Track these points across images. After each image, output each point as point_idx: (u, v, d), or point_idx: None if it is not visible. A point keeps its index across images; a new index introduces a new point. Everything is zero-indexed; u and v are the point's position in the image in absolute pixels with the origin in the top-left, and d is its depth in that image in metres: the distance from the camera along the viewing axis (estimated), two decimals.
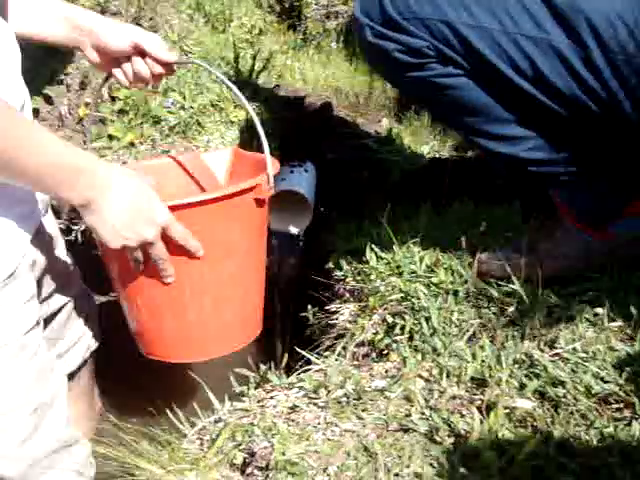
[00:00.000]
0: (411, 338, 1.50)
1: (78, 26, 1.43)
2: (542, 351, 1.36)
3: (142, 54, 1.46)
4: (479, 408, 1.24)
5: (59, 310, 1.61)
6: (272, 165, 1.44)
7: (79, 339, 1.71)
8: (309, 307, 1.87)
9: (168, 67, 1.49)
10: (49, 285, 1.52)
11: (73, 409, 1.72)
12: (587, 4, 1.24)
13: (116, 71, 1.49)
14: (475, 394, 1.29)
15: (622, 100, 1.29)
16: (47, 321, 1.56)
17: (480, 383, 1.31)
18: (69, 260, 1.64)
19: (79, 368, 1.76)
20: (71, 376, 1.72)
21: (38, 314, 1.37)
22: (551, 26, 1.27)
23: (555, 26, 1.27)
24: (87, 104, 2.31)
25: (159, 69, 1.48)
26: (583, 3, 1.24)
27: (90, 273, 1.86)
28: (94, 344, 1.78)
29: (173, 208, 1.27)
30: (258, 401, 1.37)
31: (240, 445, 1.24)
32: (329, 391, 1.34)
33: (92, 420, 1.90)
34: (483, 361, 1.35)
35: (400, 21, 1.35)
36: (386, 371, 1.43)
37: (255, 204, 1.43)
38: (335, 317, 1.76)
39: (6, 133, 1.09)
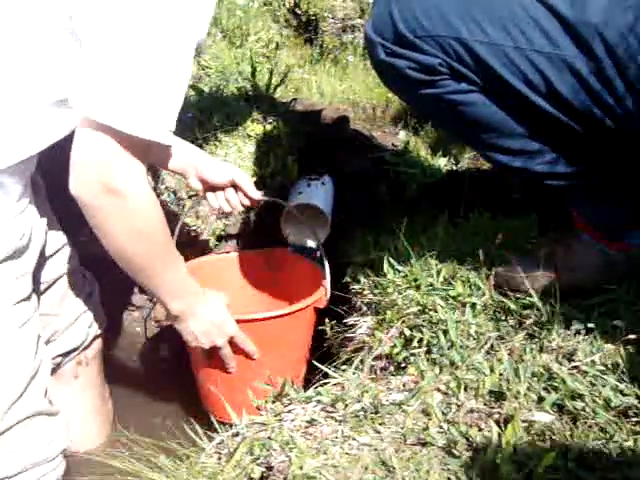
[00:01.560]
0: (429, 351, 1.50)
1: (189, 161, 1.80)
2: (560, 364, 1.35)
3: (235, 187, 1.83)
4: (497, 421, 1.23)
5: (50, 285, 1.71)
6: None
7: (78, 317, 1.82)
8: (326, 320, 1.87)
9: (254, 201, 1.86)
10: (39, 258, 1.63)
11: (85, 402, 1.92)
12: (598, 18, 1.24)
13: (209, 195, 1.86)
14: (493, 407, 1.28)
15: (635, 113, 1.29)
16: (40, 294, 1.68)
17: (498, 396, 1.30)
18: (61, 239, 1.74)
19: (84, 350, 1.87)
20: (78, 362, 1.87)
21: (30, 290, 1.54)
22: (563, 41, 1.27)
23: (567, 41, 1.27)
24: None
25: (246, 202, 1.85)
26: (594, 17, 1.24)
27: None
28: (96, 327, 1.89)
29: (251, 320, 1.73)
30: (276, 415, 1.37)
31: (258, 459, 1.24)
32: (347, 405, 1.34)
33: (108, 418, 2.01)
34: (501, 374, 1.35)
35: (412, 39, 1.35)
36: (404, 384, 1.42)
37: (314, 311, 1.86)
38: (353, 330, 1.76)
39: (162, 248, 1.47)
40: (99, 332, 1.92)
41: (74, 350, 1.84)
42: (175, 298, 1.57)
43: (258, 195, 1.86)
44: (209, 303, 1.65)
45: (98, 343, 1.94)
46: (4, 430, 1.48)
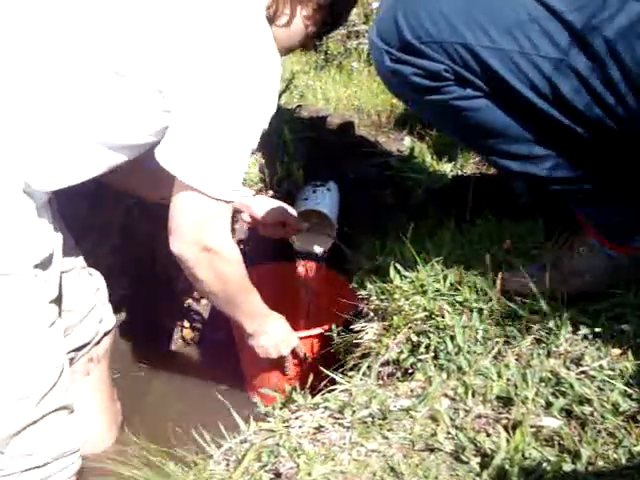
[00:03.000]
0: (436, 357, 1.50)
1: (241, 202, 2.14)
2: (568, 369, 1.35)
3: (283, 224, 2.19)
4: (505, 427, 1.23)
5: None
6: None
7: (89, 312, 1.90)
8: (333, 326, 1.87)
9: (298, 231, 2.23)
10: None
11: (95, 400, 1.99)
12: (604, 23, 1.24)
13: (259, 227, 2.21)
14: (501, 413, 1.28)
15: (638, 118, 1.29)
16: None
17: (506, 402, 1.30)
18: (67, 241, 1.80)
19: (95, 346, 1.94)
20: (90, 359, 1.94)
21: (56, 294, 1.66)
22: (569, 47, 1.27)
23: (573, 47, 1.27)
24: None
25: (292, 234, 2.23)
26: (600, 22, 1.24)
27: None
28: (106, 323, 1.97)
29: (309, 337, 2.05)
30: (283, 421, 1.37)
31: (266, 466, 1.24)
32: (354, 411, 1.34)
33: (116, 419, 2.07)
34: (509, 379, 1.35)
35: (418, 45, 1.35)
36: (411, 390, 1.42)
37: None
38: (360, 336, 1.75)
39: (243, 285, 1.75)
40: (109, 329, 1.99)
41: (86, 345, 1.91)
42: (251, 320, 1.87)
43: (306, 225, 2.19)
44: (276, 322, 1.94)
45: (108, 340, 2.00)
46: (35, 420, 1.56)
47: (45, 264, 1.59)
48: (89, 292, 1.90)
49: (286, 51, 1.78)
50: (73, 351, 1.87)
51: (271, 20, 1.66)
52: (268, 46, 1.57)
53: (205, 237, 1.60)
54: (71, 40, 1.52)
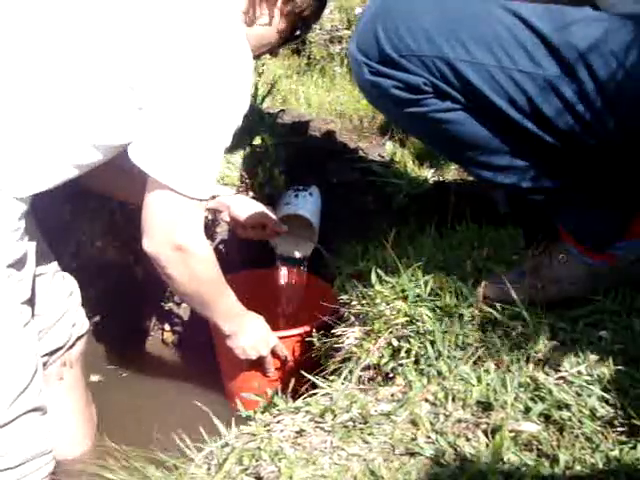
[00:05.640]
0: (416, 362, 1.51)
1: (221, 201, 2.17)
2: (547, 374, 1.36)
3: (263, 226, 2.19)
4: (485, 432, 1.24)
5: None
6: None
7: (61, 316, 1.88)
8: (314, 331, 1.87)
9: (277, 234, 2.21)
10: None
11: (70, 404, 1.99)
12: (581, 39, 1.26)
13: (238, 229, 2.21)
14: (481, 418, 1.29)
15: (615, 131, 1.31)
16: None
17: (485, 407, 1.31)
18: (43, 242, 1.81)
19: (68, 350, 1.93)
20: (63, 364, 1.93)
21: (30, 294, 1.66)
22: (546, 62, 1.29)
23: (550, 61, 1.29)
24: None
25: (273, 236, 2.22)
26: (577, 38, 1.26)
27: None
28: (79, 327, 1.96)
29: (289, 336, 2.03)
30: (265, 425, 1.37)
31: (247, 469, 1.24)
32: (335, 415, 1.34)
33: (92, 422, 2.07)
34: (488, 384, 1.36)
35: (397, 58, 1.36)
36: (392, 395, 1.43)
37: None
38: (341, 341, 1.76)
39: (217, 285, 1.75)
40: (82, 333, 1.98)
41: (59, 349, 1.90)
42: (227, 320, 1.85)
43: (285, 228, 2.17)
44: (254, 321, 1.93)
45: (81, 344, 1.99)
46: (8, 421, 1.55)
47: (18, 264, 1.58)
48: (62, 296, 1.89)
49: (256, 56, 1.78)
50: (46, 355, 1.86)
51: (249, 23, 1.69)
52: (240, 44, 1.57)
53: (177, 236, 1.59)
54: (39, 37, 1.51)
